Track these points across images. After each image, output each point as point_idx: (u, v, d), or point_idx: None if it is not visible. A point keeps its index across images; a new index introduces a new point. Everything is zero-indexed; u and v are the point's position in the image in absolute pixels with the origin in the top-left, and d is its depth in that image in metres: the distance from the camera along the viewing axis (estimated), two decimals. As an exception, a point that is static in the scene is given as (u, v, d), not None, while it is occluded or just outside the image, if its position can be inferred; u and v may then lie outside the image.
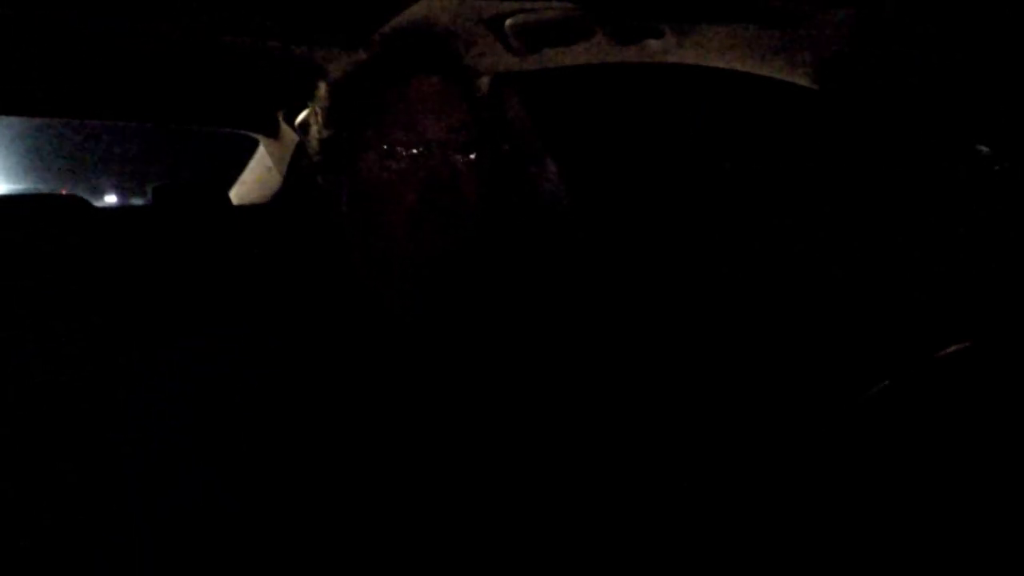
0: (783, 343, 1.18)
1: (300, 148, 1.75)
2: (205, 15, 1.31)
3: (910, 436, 0.77)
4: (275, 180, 2.20)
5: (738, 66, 1.25)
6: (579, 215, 1.68)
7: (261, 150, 2.23)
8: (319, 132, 0.86)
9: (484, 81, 0.90)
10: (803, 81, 1.18)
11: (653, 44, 1.30)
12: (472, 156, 0.83)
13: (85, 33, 1.37)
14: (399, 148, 0.81)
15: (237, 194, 2.30)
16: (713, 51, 1.25)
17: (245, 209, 2.15)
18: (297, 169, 2.11)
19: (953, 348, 0.76)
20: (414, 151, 0.81)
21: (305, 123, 0.90)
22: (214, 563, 0.74)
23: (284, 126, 2.09)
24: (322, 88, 0.87)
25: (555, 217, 1.68)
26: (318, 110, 0.86)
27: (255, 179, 2.28)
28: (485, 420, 0.83)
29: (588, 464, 0.85)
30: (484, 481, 0.80)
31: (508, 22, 1.37)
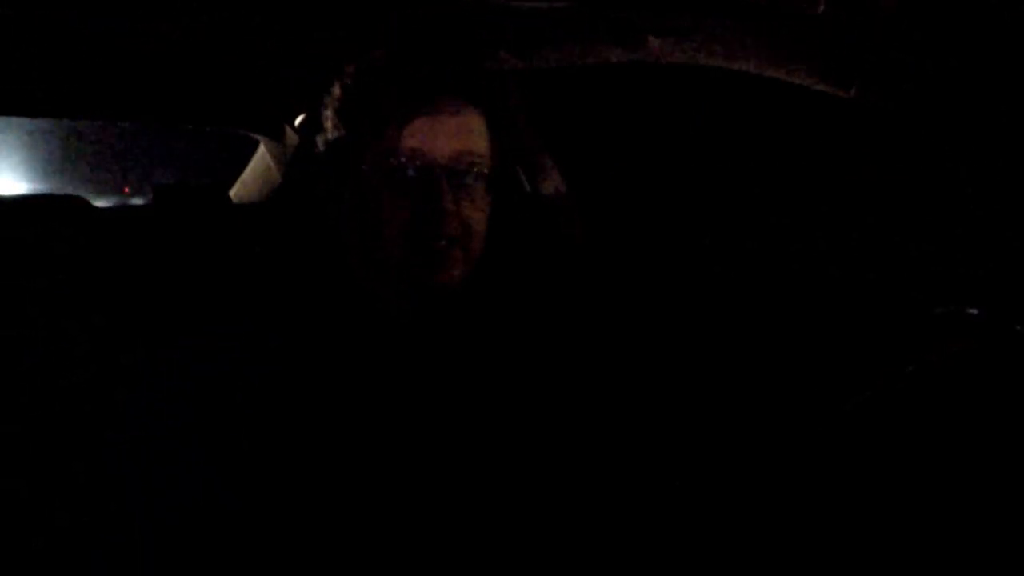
0: (779, 343, 1.18)
1: (300, 148, 1.75)
2: (206, 15, 1.31)
3: (907, 437, 0.77)
4: (275, 180, 2.21)
5: (738, 67, 1.25)
6: (580, 215, 1.68)
7: (261, 150, 2.23)
8: (327, 133, 0.85)
9: (507, 98, 0.90)
10: (804, 82, 1.19)
11: (654, 44, 1.30)
12: (482, 181, 0.83)
13: (85, 33, 1.37)
14: (407, 153, 0.80)
15: (237, 194, 2.30)
16: (714, 52, 1.26)
17: (245, 209, 2.16)
18: (297, 169, 2.11)
19: (945, 351, 0.76)
20: (423, 157, 0.80)
21: (305, 124, 0.90)
22: (214, 563, 0.74)
23: (285, 127, 2.10)
24: (336, 88, 0.86)
25: (556, 217, 1.68)
26: (329, 111, 0.86)
27: (255, 179, 2.28)
28: (482, 420, 0.83)
29: (583, 464, 0.85)
30: (481, 481, 0.80)
31: (508, 23, 1.38)
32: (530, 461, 0.83)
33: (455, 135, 0.81)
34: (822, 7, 1.02)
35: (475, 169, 0.82)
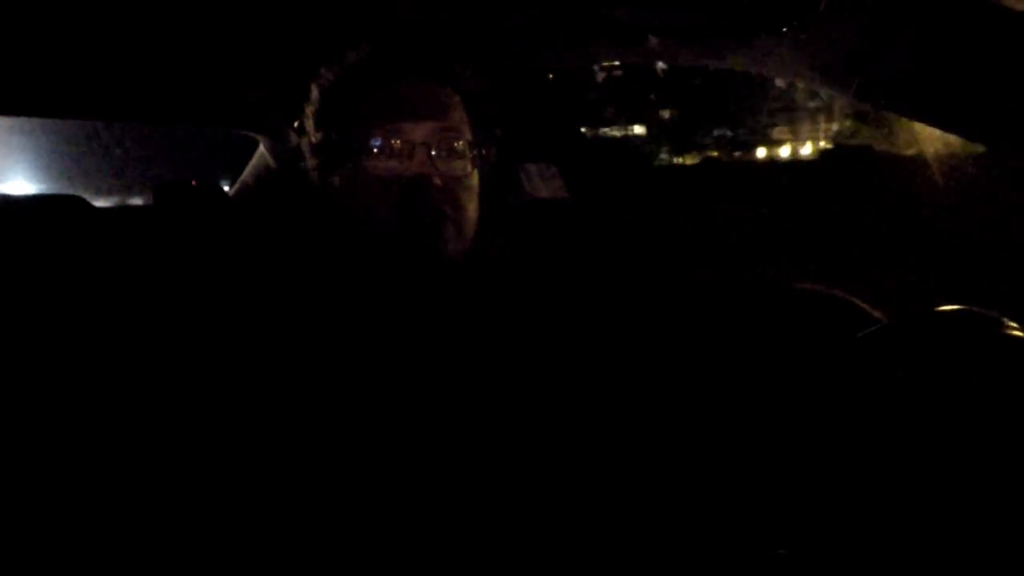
0: (772, 339, 1.17)
1: (300, 148, 1.76)
2: (202, 15, 1.31)
3: (903, 438, 0.76)
4: (275, 180, 2.20)
5: (739, 67, 1.25)
6: (576, 214, 1.69)
7: (261, 150, 2.23)
8: (312, 135, 0.88)
9: (481, 81, 0.91)
10: (805, 82, 1.19)
11: (654, 44, 1.30)
12: (465, 157, 0.84)
13: (85, 33, 1.37)
14: (389, 151, 0.82)
15: (237, 194, 2.31)
16: (714, 52, 1.26)
17: (245, 209, 2.16)
18: (296, 168, 2.11)
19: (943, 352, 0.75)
20: (404, 154, 0.82)
21: (302, 124, 0.91)
22: (213, 563, 0.74)
23: (284, 126, 2.10)
24: (314, 91, 0.88)
25: (551, 216, 1.69)
26: (310, 113, 0.88)
27: (255, 179, 2.28)
28: (481, 416, 0.83)
29: (580, 460, 0.85)
30: (477, 478, 0.81)
31: (508, 22, 1.38)
32: (527, 457, 0.83)
33: (433, 113, 0.83)
34: (822, 7, 1.02)
35: (457, 145, 0.84)
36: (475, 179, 0.86)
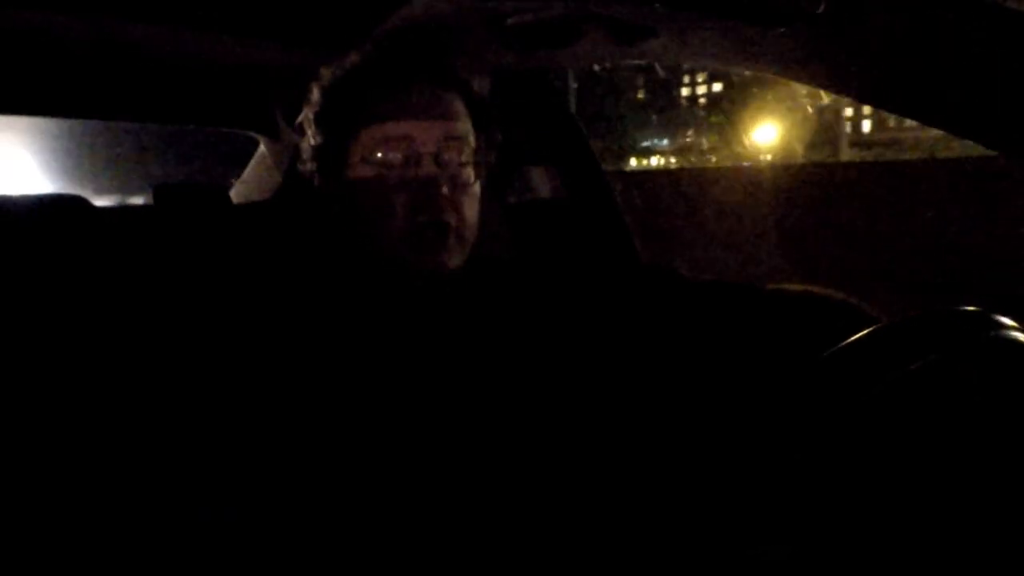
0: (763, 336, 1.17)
1: (300, 148, 1.76)
2: (201, 14, 1.31)
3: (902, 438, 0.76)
4: (275, 180, 2.20)
5: (739, 67, 1.25)
6: (576, 215, 1.69)
7: (261, 150, 2.23)
8: (312, 135, 0.87)
9: (483, 82, 0.91)
10: (804, 83, 1.19)
11: (654, 44, 1.30)
12: (470, 165, 0.84)
13: (85, 32, 1.37)
14: (390, 153, 0.81)
15: (237, 194, 2.30)
16: (714, 52, 1.26)
17: (245, 209, 2.16)
18: (297, 169, 2.11)
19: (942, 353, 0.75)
20: (411, 162, 0.81)
21: (302, 125, 0.91)
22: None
23: (284, 126, 2.10)
24: (315, 91, 0.88)
25: (552, 217, 1.69)
26: (311, 114, 0.87)
27: (255, 179, 2.28)
28: (478, 420, 0.83)
29: (579, 460, 0.85)
30: (475, 480, 0.81)
31: (509, 21, 1.37)
32: (528, 457, 0.83)
33: (441, 121, 0.82)
34: (823, 7, 1.02)
35: (464, 153, 0.83)
36: (478, 187, 0.86)
